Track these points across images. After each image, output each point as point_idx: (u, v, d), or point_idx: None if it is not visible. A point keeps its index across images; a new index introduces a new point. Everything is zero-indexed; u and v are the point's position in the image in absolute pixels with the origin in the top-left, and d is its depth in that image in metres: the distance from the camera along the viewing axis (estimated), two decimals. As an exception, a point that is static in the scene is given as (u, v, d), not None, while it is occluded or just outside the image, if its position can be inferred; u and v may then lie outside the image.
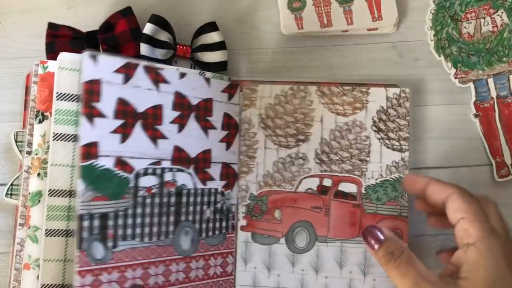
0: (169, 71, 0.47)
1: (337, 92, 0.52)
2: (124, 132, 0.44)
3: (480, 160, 0.54)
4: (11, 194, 0.51)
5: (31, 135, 0.49)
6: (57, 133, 0.48)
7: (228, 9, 0.56)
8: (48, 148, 0.48)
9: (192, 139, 0.48)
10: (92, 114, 0.43)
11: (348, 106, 0.52)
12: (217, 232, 0.49)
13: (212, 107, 0.49)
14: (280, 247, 0.51)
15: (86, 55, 0.43)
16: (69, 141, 0.48)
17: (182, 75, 0.47)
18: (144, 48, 0.51)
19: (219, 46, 0.53)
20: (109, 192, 0.43)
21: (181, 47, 0.53)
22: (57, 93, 0.48)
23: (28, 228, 0.48)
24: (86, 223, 0.42)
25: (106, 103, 0.43)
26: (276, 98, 0.52)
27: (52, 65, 0.49)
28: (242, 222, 0.51)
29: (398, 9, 0.55)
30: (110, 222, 0.43)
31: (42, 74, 0.49)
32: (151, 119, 0.45)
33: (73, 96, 0.48)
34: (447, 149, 0.54)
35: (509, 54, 0.55)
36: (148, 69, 0.45)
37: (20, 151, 0.51)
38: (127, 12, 0.52)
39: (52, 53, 0.51)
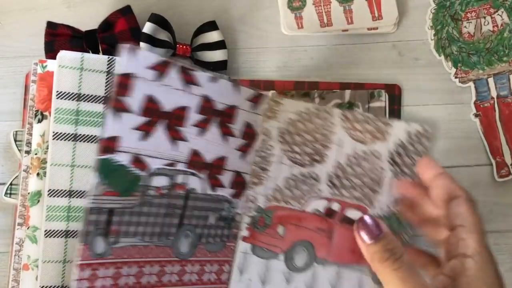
0: (201, 74, 0.46)
1: (360, 119, 0.51)
2: (146, 130, 0.43)
3: (480, 160, 0.54)
4: (10, 194, 0.51)
5: (30, 135, 0.49)
6: (56, 133, 0.47)
7: (228, 8, 0.56)
8: (47, 148, 0.48)
9: (211, 144, 0.47)
10: (119, 108, 0.42)
11: (368, 135, 0.51)
12: (217, 239, 0.49)
13: (236, 114, 0.49)
14: (278, 263, 0.50)
15: (125, 48, 0.42)
16: (69, 140, 0.48)
17: (213, 79, 0.47)
18: (143, 47, 0.50)
19: (219, 45, 0.53)
20: (121, 188, 0.43)
21: (180, 46, 0.53)
22: (57, 91, 0.47)
23: (27, 228, 0.48)
24: (93, 217, 0.41)
25: (135, 99, 0.43)
26: (299, 114, 0.52)
27: (51, 64, 0.49)
28: (244, 232, 0.51)
29: (398, 9, 0.55)
30: (116, 218, 0.43)
31: (41, 74, 0.49)
32: (175, 120, 0.45)
33: (73, 94, 0.48)
34: (447, 149, 0.54)
35: (510, 54, 0.54)
36: (182, 70, 0.45)
37: (20, 150, 0.51)
38: (126, 11, 0.52)
39: (51, 52, 0.51)
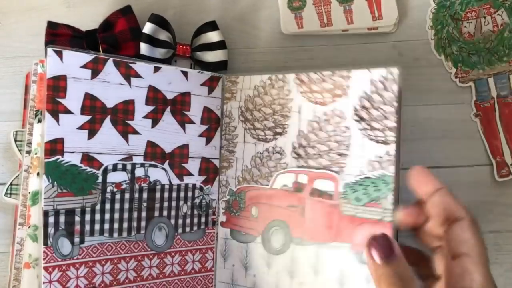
0: (142, 65, 0.46)
1: (316, 79, 0.47)
2: (91, 128, 0.44)
3: (480, 160, 0.54)
4: (10, 194, 0.51)
5: (31, 135, 0.49)
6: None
7: (228, 8, 0.56)
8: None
9: (168, 134, 0.47)
10: (57, 110, 0.43)
11: (327, 94, 0.46)
12: (195, 228, 0.49)
13: (190, 101, 0.49)
14: (256, 246, 0.49)
15: (50, 50, 0.43)
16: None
17: (157, 69, 0.47)
18: (143, 48, 0.50)
19: (219, 45, 0.53)
20: (75, 188, 0.43)
21: (180, 46, 0.53)
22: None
23: (28, 227, 0.48)
24: (51, 219, 0.42)
25: (72, 99, 0.43)
26: (255, 89, 0.50)
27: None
28: (222, 218, 0.50)
29: (398, 9, 0.55)
30: (77, 218, 0.43)
31: (42, 73, 0.49)
32: (121, 114, 0.45)
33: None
34: (447, 149, 0.54)
35: (510, 54, 0.54)
36: (118, 64, 0.45)
37: (20, 150, 0.51)
38: (127, 11, 0.52)
39: (51, 52, 0.51)
